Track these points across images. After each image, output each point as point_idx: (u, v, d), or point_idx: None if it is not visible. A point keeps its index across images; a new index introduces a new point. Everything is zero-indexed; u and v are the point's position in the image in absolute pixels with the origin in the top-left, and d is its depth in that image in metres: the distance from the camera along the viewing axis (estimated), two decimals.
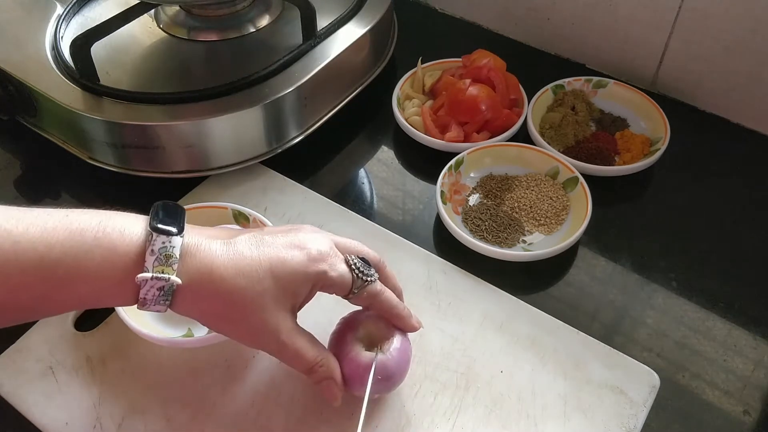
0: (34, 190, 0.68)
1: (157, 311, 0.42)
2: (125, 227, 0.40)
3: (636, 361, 0.53)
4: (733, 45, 0.69)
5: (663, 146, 0.67)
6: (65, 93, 0.63)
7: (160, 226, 0.41)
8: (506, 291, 0.57)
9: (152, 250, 0.40)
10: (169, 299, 0.41)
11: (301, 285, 0.43)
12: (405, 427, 0.49)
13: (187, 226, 0.42)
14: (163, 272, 0.40)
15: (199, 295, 0.42)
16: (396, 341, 0.47)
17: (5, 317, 0.40)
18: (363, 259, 0.46)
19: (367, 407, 0.44)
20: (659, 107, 0.70)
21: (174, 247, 0.40)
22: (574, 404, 0.50)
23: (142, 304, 0.41)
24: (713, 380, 0.53)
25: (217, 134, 0.63)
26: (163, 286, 0.40)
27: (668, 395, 0.52)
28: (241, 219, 0.59)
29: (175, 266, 0.40)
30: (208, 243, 0.42)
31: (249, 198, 0.64)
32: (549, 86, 0.73)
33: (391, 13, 0.78)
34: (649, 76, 0.77)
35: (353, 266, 0.45)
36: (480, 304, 0.56)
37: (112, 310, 0.52)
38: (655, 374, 0.52)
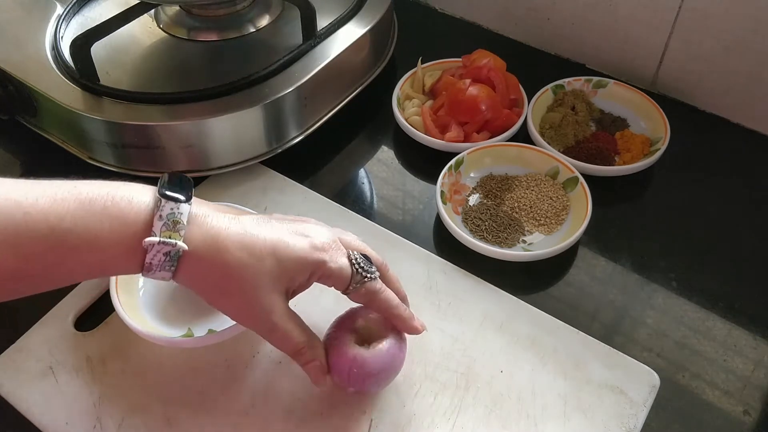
0: None
1: (162, 279, 0.42)
2: (133, 195, 0.41)
3: (636, 361, 0.53)
4: (733, 45, 0.69)
5: (663, 146, 0.67)
6: (65, 93, 0.63)
7: (168, 192, 0.41)
8: (506, 291, 0.57)
9: (160, 216, 0.41)
10: (174, 265, 0.42)
11: (299, 270, 0.44)
12: (405, 427, 0.49)
13: (195, 198, 0.43)
14: (170, 237, 0.40)
15: (203, 263, 0.42)
16: (387, 342, 0.47)
17: (17, 286, 0.41)
18: (365, 257, 0.47)
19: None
20: (659, 107, 0.70)
21: (182, 213, 0.41)
22: (574, 404, 0.50)
23: (148, 270, 0.41)
24: (713, 380, 0.53)
25: (217, 134, 0.63)
26: (170, 251, 0.41)
27: (668, 395, 0.52)
28: None
29: (182, 232, 0.41)
30: (215, 215, 0.43)
31: (249, 198, 0.64)
32: (549, 86, 0.73)
33: (391, 13, 0.78)
34: (649, 76, 0.77)
35: (354, 261, 0.46)
36: (480, 304, 0.56)
37: (112, 310, 0.52)
38: (655, 374, 0.52)
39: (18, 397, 0.51)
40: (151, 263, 0.41)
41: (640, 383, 0.51)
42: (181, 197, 0.42)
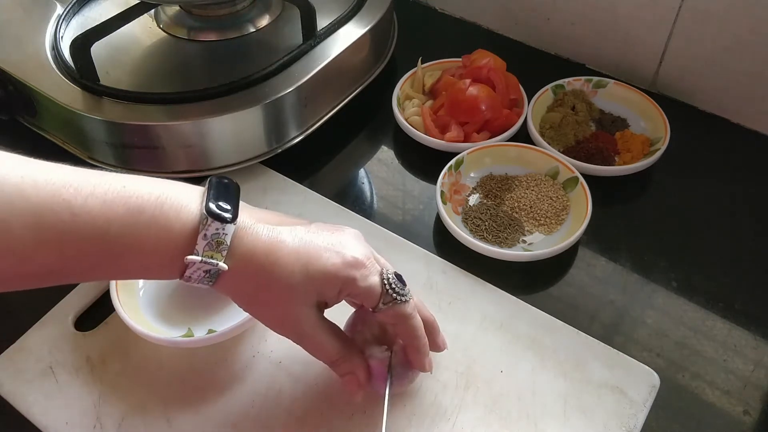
0: None
1: (199, 287, 0.43)
2: (182, 205, 0.41)
3: (636, 361, 0.53)
4: (733, 45, 0.69)
5: (663, 146, 0.67)
6: (65, 93, 0.63)
7: (215, 210, 0.41)
8: (506, 291, 0.57)
9: (205, 235, 0.40)
10: (213, 281, 0.42)
11: (329, 286, 0.44)
12: (405, 426, 0.49)
13: (240, 209, 0.43)
14: (212, 257, 0.41)
15: (240, 278, 0.43)
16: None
17: (53, 280, 0.40)
18: (400, 277, 0.46)
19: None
20: (659, 107, 0.70)
21: (227, 234, 0.41)
22: (574, 404, 0.50)
23: (187, 281, 0.42)
24: (713, 380, 0.53)
25: (217, 134, 0.63)
26: (210, 270, 0.41)
27: (668, 395, 0.52)
28: None
29: (225, 252, 0.41)
30: (255, 228, 0.43)
31: (249, 198, 0.64)
32: (549, 86, 0.73)
33: (391, 13, 0.78)
34: (649, 76, 0.77)
35: (386, 281, 0.45)
36: (480, 304, 0.56)
37: (112, 310, 0.52)
38: (655, 374, 0.52)
39: (18, 397, 0.51)
40: (191, 277, 0.41)
41: (640, 383, 0.51)
42: (228, 216, 0.41)
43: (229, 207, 0.42)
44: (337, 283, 0.44)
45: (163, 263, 0.41)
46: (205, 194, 0.42)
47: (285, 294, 0.43)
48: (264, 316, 0.45)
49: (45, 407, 0.50)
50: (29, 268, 0.38)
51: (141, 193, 0.40)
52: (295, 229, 0.44)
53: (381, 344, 0.48)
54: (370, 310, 0.46)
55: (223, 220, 0.41)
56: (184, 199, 0.41)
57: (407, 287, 0.46)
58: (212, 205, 0.41)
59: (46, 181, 0.38)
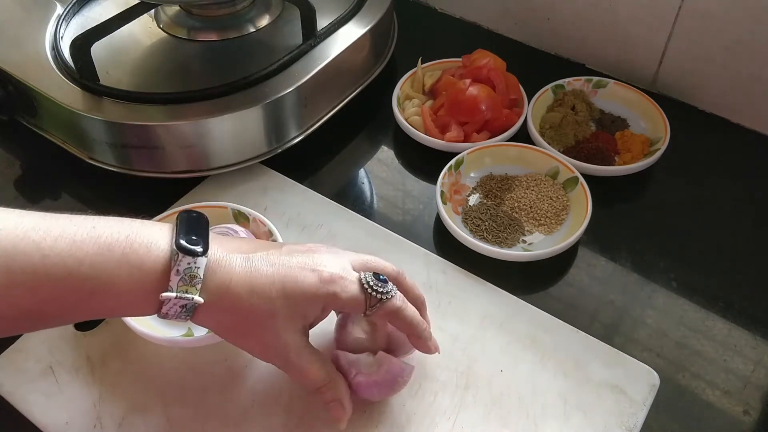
0: (34, 191, 0.68)
1: (177, 322, 0.43)
2: (151, 242, 0.41)
3: (636, 360, 0.53)
4: (733, 45, 0.69)
5: (663, 146, 0.67)
6: (65, 93, 0.63)
7: (185, 245, 0.41)
8: (506, 291, 0.57)
9: (177, 270, 0.41)
10: (190, 315, 0.42)
11: (311, 306, 0.44)
12: (405, 426, 0.49)
13: (210, 241, 0.43)
14: (186, 292, 0.41)
15: (218, 311, 0.43)
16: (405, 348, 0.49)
17: (33, 325, 0.41)
18: (378, 276, 0.46)
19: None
20: (659, 107, 0.70)
21: (199, 267, 0.41)
22: (574, 403, 0.50)
23: (164, 317, 0.42)
24: (713, 380, 0.53)
25: (217, 134, 0.63)
26: (186, 304, 0.41)
27: (668, 395, 0.52)
28: (241, 219, 0.59)
29: (199, 286, 0.41)
30: (228, 259, 0.43)
31: (249, 198, 0.64)
32: (549, 86, 0.73)
33: (391, 13, 0.78)
34: (649, 76, 0.77)
35: (366, 285, 0.45)
36: (480, 303, 0.56)
37: None
38: (655, 373, 0.52)
39: (18, 397, 0.51)
40: (167, 313, 0.42)
41: (640, 383, 0.51)
42: (198, 249, 0.41)
43: (199, 240, 0.42)
44: (319, 302, 0.44)
45: (137, 301, 0.41)
46: (175, 230, 0.42)
47: (267, 323, 0.43)
48: (248, 346, 0.45)
49: (45, 407, 0.50)
50: (3, 310, 0.38)
51: (110, 232, 0.40)
52: (269, 254, 0.45)
53: (373, 339, 0.48)
54: (363, 315, 0.46)
55: (194, 254, 0.41)
56: (153, 236, 0.41)
57: (389, 283, 0.46)
58: (182, 240, 0.41)
59: (16, 224, 0.38)
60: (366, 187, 0.69)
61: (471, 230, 0.62)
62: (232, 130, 0.64)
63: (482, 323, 0.55)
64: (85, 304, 0.40)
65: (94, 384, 0.51)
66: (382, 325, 0.49)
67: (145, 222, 0.43)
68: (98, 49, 0.64)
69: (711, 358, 0.54)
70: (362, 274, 0.46)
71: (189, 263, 0.41)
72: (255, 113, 0.63)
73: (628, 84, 0.74)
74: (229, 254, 0.43)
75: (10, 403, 0.51)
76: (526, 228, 0.63)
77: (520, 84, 0.73)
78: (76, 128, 0.64)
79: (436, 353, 0.49)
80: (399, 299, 0.46)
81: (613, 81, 0.74)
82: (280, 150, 0.67)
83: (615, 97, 0.74)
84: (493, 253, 0.59)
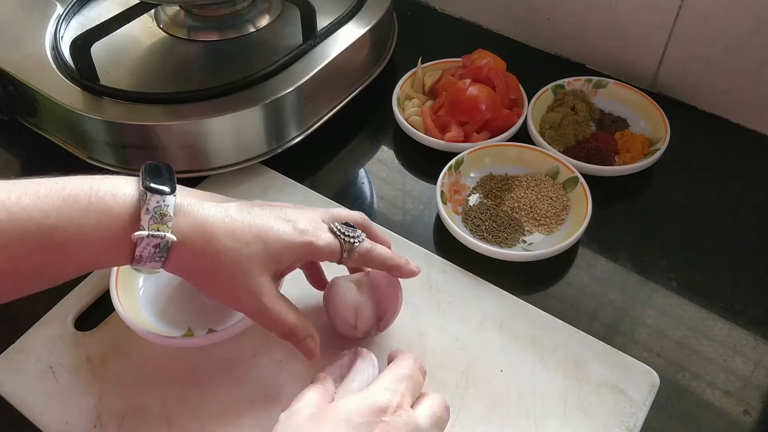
0: None
1: (152, 268, 0.43)
2: (116, 189, 0.41)
3: (636, 360, 0.53)
4: (733, 45, 0.69)
5: (663, 146, 0.67)
6: (65, 93, 0.63)
7: (152, 185, 0.42)
8: (506, 291, 0.57)
9: (147, 209, 0.41)
10: (164, 256, 0.42)
11: (287, 253, 0.45)
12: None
13: (178, 187, 0.44)
14: (158, 230, 0.41)
15: (192, 252, 0.43)
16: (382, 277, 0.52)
17: (10, 286, 0.41)
18: (347, 224, 0.48)
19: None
20: (659, 107, 0.70)
21: (168, 205, 0.42)
22: (574, 403, 0.50)
23: (138, 262, 0.42)
24: (713, 380, 0.53)
25: (217, 134, 0.63)
26: (159, 243, 0.41)
27: (668, 395, 0.52)
28: None
29: (170, 224, 0.42)
30: (200, 203, 0.44)
31: (249, 198, 0.63)
32: (549, 86, 0.73)
33: (391, 13, 0.78)
34: (649, 76, 0.77)
35: (337, 232, 0.47)
36: (480, 303, 0.56)
37: (112, 309, 0.52)
38: (655, 373, 0.52)
39: (18, 397, 0.51)
40: (141, 255, 0.41)
41: (640, 382, 0.51)
42: (166, 189, 0.42)
43: (166, 182, 0.43)
44: (295, 250, 0.45)
45: (109, 247, 0.41)
46: (141, 176, 0.43)
47: (243, 265, 0.44)
48: (222, 292, 0.45)
49: (45, 407, 0.50)
50: None
51: (74, 185, 0.41)
52: (241, 206, 0.46)
53: (360, 286, 0.51)
54: (337, 263, 0.48)
55: (162, 193, 0.42)
56: (117, 183, 0.42)
57: (357, 229, 0.49)
58: (149, 182, 0.42)
59: None
60: (366, 187, 0.69)
61: (471, 230, 0.62)
62: (232, 130, 0.64)
63: (482, 323, 0.55)
64: (58, 258, 0.40)
65: (94, 384, 0.51)
66: (364, 279, 0.52)
67: (109, 176, 0.43)
68: (98, 49, 0.64)
69: (711, 358, 0.54)
70: (332, 224, 0.48)
71: (158, 201, 0.41)
72: (255, 113, 0.63)
73: (628, 84, 0.74)
74: (201, 200, 0.44)
75: (10, 403, 0.51)
76: (526, 228, 0.63)
77: (520, 84, 0.73)
78: (75, 128, 0.64)
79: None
80: (368, 242, 0.49)
81: (613, 81, 0.74)
82: (280, 150, 0.67)
83: (615, 97, 0.74)
84: (493, 253, 0.59)
